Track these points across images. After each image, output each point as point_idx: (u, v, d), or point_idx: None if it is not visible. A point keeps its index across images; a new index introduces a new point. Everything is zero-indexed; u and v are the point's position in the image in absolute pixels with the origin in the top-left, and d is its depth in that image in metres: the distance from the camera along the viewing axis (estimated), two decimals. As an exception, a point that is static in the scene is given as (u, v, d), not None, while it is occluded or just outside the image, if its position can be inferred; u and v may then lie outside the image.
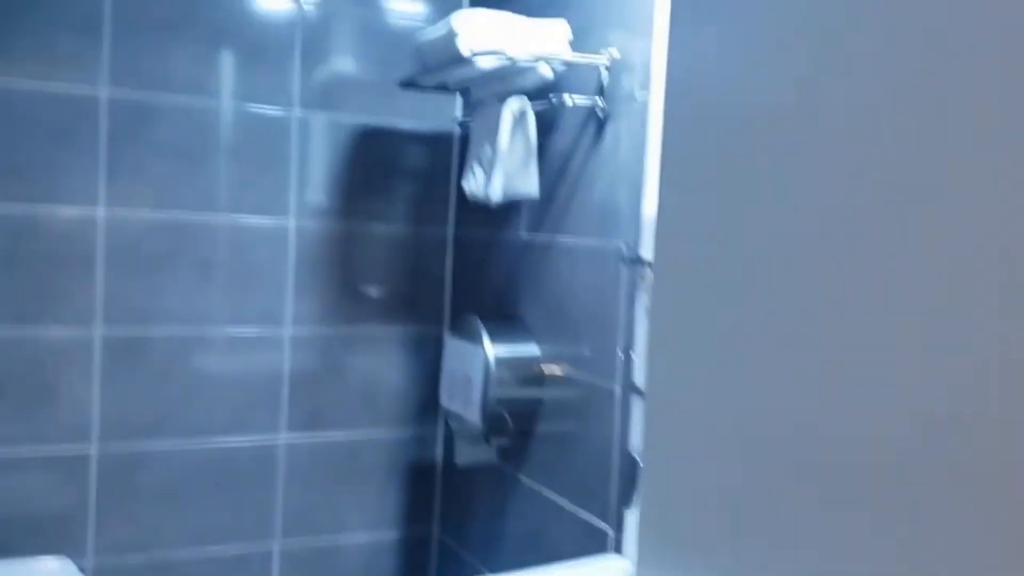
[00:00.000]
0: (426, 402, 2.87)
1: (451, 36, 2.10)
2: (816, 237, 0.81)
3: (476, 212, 2.69)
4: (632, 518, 1.86)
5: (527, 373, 2.33)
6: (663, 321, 1.21)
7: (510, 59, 2.07)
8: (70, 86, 2.38)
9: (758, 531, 0.93)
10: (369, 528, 2.83)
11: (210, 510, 2.61)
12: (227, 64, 2.56)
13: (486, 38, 2.08)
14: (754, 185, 0.94)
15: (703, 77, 1.06)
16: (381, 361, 2.82)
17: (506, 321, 2.45)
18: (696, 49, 1.07)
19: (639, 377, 1.82)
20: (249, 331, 2.63)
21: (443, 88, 2.54)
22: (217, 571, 2.64)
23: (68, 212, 2.41)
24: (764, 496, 0.87)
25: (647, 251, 1.80)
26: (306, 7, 2.64)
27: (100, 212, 2.44)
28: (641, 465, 1.81)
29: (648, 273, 1.79)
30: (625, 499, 1.88)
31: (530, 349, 2.36)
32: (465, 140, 2.81)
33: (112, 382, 2.47)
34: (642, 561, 1.22)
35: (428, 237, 2.86)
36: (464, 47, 2.07)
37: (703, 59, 1.06)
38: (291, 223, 2.67)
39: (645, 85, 1.96)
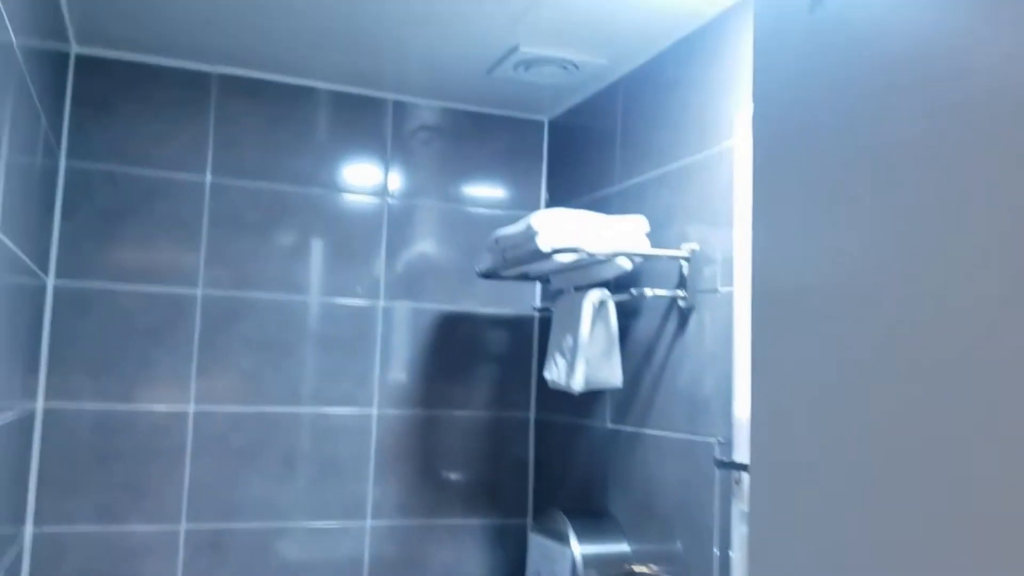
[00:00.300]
0: (510, 598, 2.77)
1: (531, 233, 2.15)
2: (923, 440, 0.76)
3: (558, 398, 2.67)
4: None
5: (616, 572, 2.23)
6: (764, 538, 1.14)
7: (589, 255, 2.10)
8: (168, 288, 2.50)
9: None
10: None
11: None
12: (315, 259, 2.66)
13: (565, 236, 2.12)
14: (848, 386, 0.90)
15: (788, 272, 1.04)
16: (462, 554, 2.74)
17: (592, 516, 2.38)
18: (779, 244, 1.06)
19: (738, 586, 1.72)
20: (331, 524, 2.60)
21: (523, 277, 2.58)
22: None
23: (160, 409, 2.47)
24: None
25: (741, 453, 1.74)
26: (391, 201, 2.75)
27: (190, 408, 2.49)
28: None
29: (744, 478, 1.72)
30: None
31: (619, 547, 2.27)
32: (544, 325, 2.82)
33: (195, 580, 2.45)
34: None
35: (509, 423, 2.84)
36: (544, 244, 2.12)
37: (787, 253, 1.05)
38: (374, 412, 2.68)
39: (728, 277, 1.96)
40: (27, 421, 2.20)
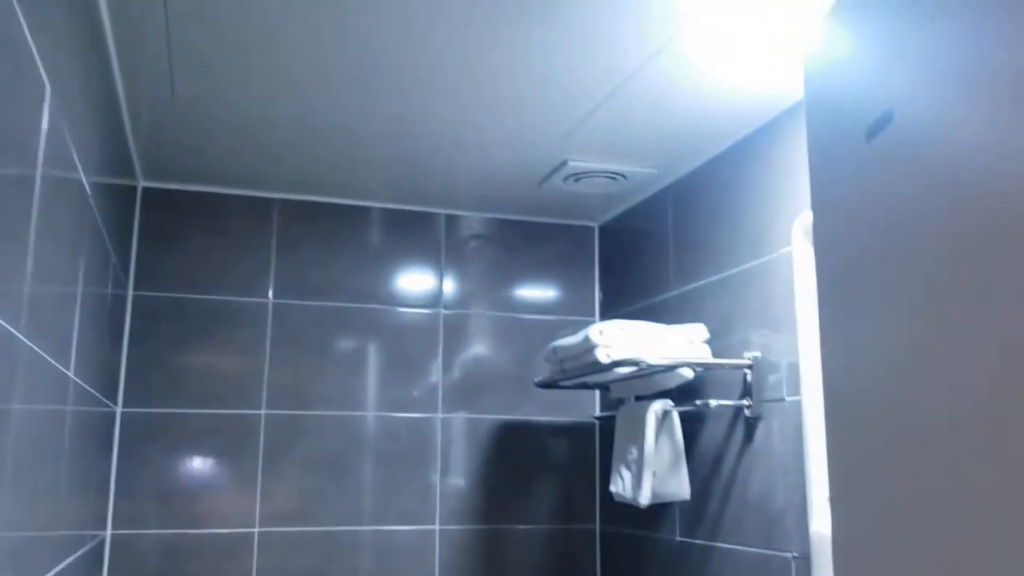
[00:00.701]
0: None
1: (589, 345, 2.14)
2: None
3: (624, 509, 2.61)
4: None
5: None
6: None
7: (650, 366, 2.08)
8: (233, 410, 2.53)
9: None
10: None
11: None
12: (373, 373, 2.68)
13: (624, 347, 2.11)
14: (932, 493, 0.87)
15: (860, 382, 1.02)
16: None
17: (666, 632, 2.29)
18: (848, 353, 1.05)
19: None
20: (397, 646, 2.55)
21: (581, 386, 2.56)
22: None
23: (225, 531, 2.46)
24: None
25: (821, 571, 1.68)
26: (445, 311, 2.78)
27: (255, 529, 2.49)
28: None
29: (824, 596, 1.65)
30: None
31: (695, 665, 2.18)
32: (605, 433, 2.79)
33: None
34: None
35: (575, 535, 2.78)
36: (603, 356, 2.11)
37: (856, 363, 1.03)
38: (436, 528, 2.65)
39: (794, 385, 1.92)
40: (98, 549, 2.22)
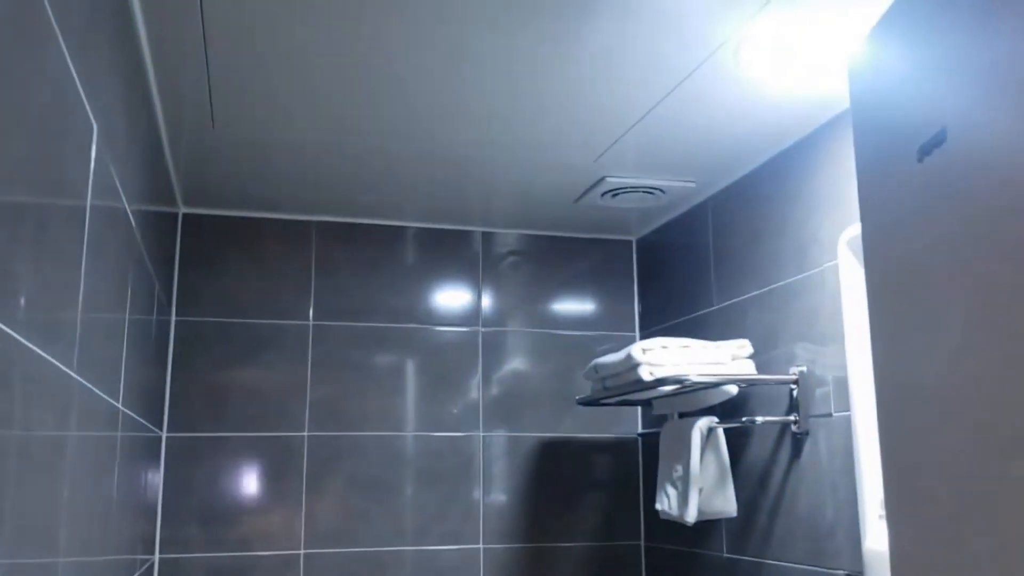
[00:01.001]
0: None
1: (632, 363, 2.13)
2: None
3: (670, 526, 2.58)
4: None
5: None
6: None
7: (693, 384, 2.06)
8: (276, 432, 2.54)
9: None
10: None
11: None
12: (413, 392, 2.68)
13: (667, 365, 2.09)
14: (990, 503, 0.84)
15: (915, 394, 1.00)
16: None
17: (716, 651, 2.26)
18: (904, 366, 1.03)
19: None
20: (444, 667, 2.54)
21: (623, 403, 2.54)
22: None
23: (271, 554, 2.47)
24: None
25: (875, 591, 1.64)
26: (484, 329, 2.77)
27: (300, 551, 2.49)
28: None
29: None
30: None
31: None
32: (648, 449, 2.76)
33: None
34: None
35: (620, 552, 2.76)
36: (646, 374, 2.09)
37: (912, 376, 1.01)
38: (480, 547, 2.64)
39: (842, 400, 1.89)
40: (148, 574, 2.24)
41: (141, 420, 1.91)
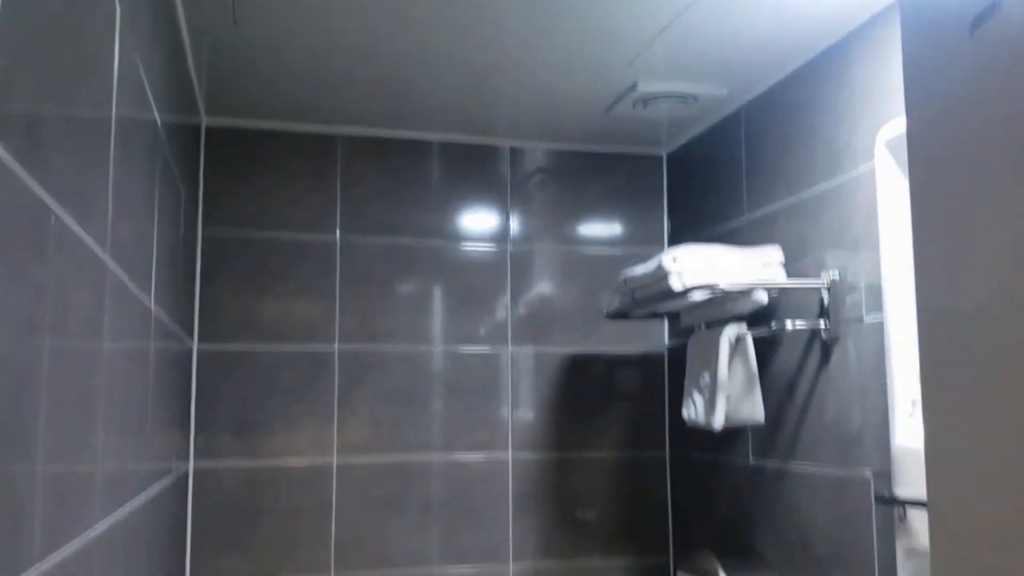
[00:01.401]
0: (658, 643, 2.70)
1: (663, 273, 2.11)
2: None
3: (695, 436, 2.60)
4: None
5: (772, 616, 2.14)
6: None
7: (724, 291, 2.05)
8: (306, 345, 2.56)
9: None
10: None
11: None
12: (441, 308, 2.69)
13: (698, 273, 2.07)
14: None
15: (958, 292, 0.98)
16: (607, 599, 2.69)
17: (740, 555, 2.29)
18: (945, 265, 1.01)
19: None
20: (474, 568, 2.60)
21: (651, 315, 2.54)
22: None
23: (304, 463, 2.52)
24: None
25: (904, 487, 1.65)
26: (512, 247, 2.76)
27: (333, 460, 2.54)
28: None
29: (908, 514, 1.62)
30: None
31: (772, 588, 2.18)
32: (674, 363, 2.77)
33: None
34: None
35: (645, 462, 2.78)
36: (677, 283, 2.08)
37: (954, 274, 0.99)
38: (509, 456, 2.67)
39: (874, 304, 1.87)
40: (182, 481, 2.29)
41: (173, 326, 1.93)
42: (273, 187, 2.60)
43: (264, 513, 2.48)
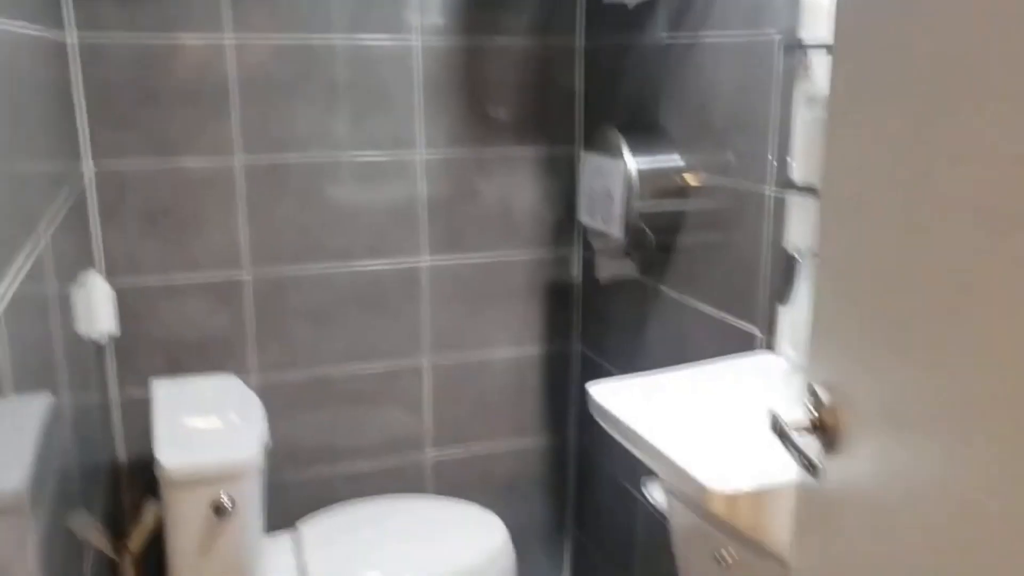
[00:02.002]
0: (563, 221, 2.84)
1: None
2: None
3: (607, 17, 2.54)
4: (787, 315, 1.79)
5: (669, 184, 2.24)
6: (844, 112, 1.10)
7: None
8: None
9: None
10: (513, 344, 2.88)
11: (360, 329, 2.70)
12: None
13: None
14: None
15: None
16: (516, 182, 2.78)
17: (645, 132, 2.35)
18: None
19: (799, 174, 1.71)
20: (383, 156, 2.62)
21: None
22: (372, 385, 2.76)
23: (196, 41, 2.39)
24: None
25: (808, 34, 1.65)
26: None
27: (228, 40, 2.42)
28: (801, 260, 1.72)
29: (811, 58, 1.64)
30: (780, 297, 1.81)
31: (672, 159, 2.26)
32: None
33: (256, 210, 2.53)
34: (815, 348, 1.16)
35: (556, 48, 2.74)
36: None
37: None
38: (415, 42, 2.59)
39: None
40: (59, 50, 2.16)
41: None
42: None
43: (160, 93, 2.39)
